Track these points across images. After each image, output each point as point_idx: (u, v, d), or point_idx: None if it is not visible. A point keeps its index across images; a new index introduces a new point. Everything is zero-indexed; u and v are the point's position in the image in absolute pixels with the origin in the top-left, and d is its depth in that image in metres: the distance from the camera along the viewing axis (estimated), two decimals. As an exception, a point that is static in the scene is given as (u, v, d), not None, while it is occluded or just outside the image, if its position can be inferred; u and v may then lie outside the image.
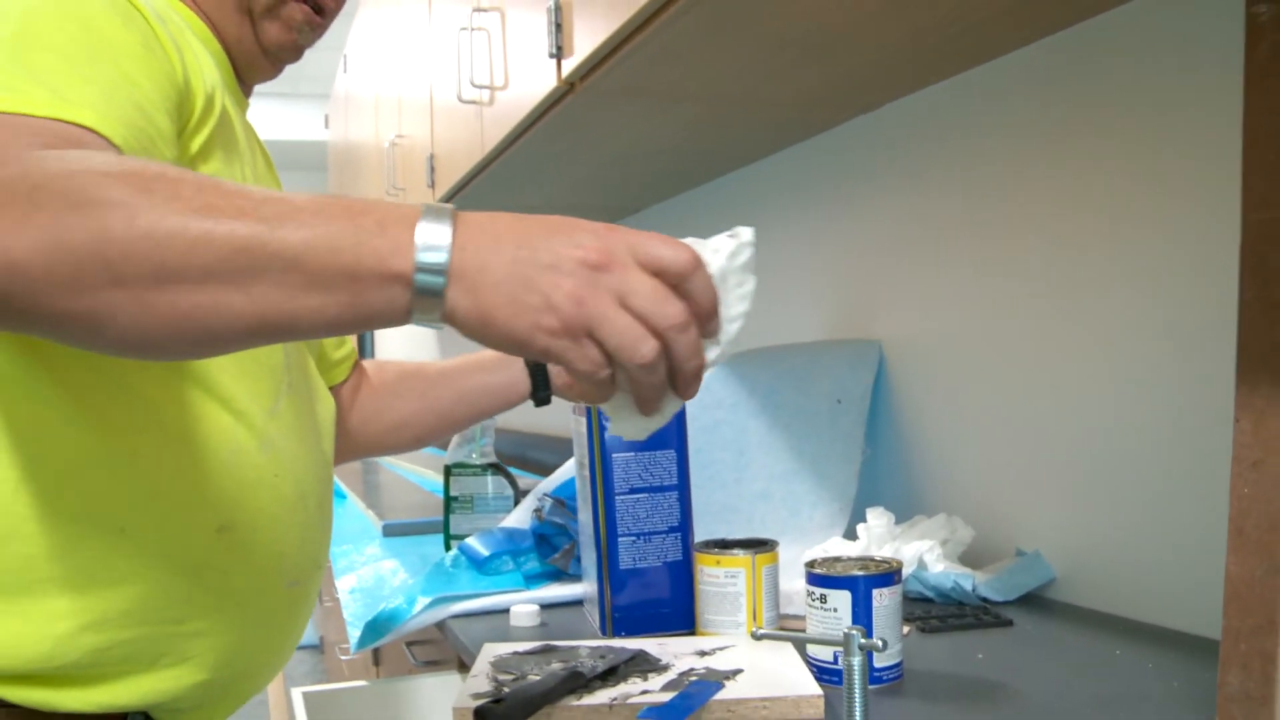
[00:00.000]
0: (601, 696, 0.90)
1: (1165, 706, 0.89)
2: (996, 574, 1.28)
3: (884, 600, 0.97)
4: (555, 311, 0.61)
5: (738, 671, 0.96)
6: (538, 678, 0.92)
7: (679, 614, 1.18)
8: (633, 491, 1.17)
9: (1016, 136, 1.35)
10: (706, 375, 0.69)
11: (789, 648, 1.02)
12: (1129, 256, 1.20)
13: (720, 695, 0.89)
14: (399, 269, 0.60)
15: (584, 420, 1.19)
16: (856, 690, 0.76)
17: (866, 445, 1.60)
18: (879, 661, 0.96)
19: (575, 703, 0.88)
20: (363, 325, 0.63)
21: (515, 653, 1.04)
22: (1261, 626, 0.75)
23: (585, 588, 1.28)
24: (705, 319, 0.64)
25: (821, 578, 0.99)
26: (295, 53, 1.08)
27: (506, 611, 1.28)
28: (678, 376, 0.64)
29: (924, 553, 1.30)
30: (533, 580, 1.37)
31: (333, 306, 0.60)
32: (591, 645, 1.05)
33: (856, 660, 0.76)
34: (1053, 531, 1.31)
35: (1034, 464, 1.34)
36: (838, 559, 1.04)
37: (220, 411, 0.89)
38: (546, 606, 1.31)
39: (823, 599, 0.98)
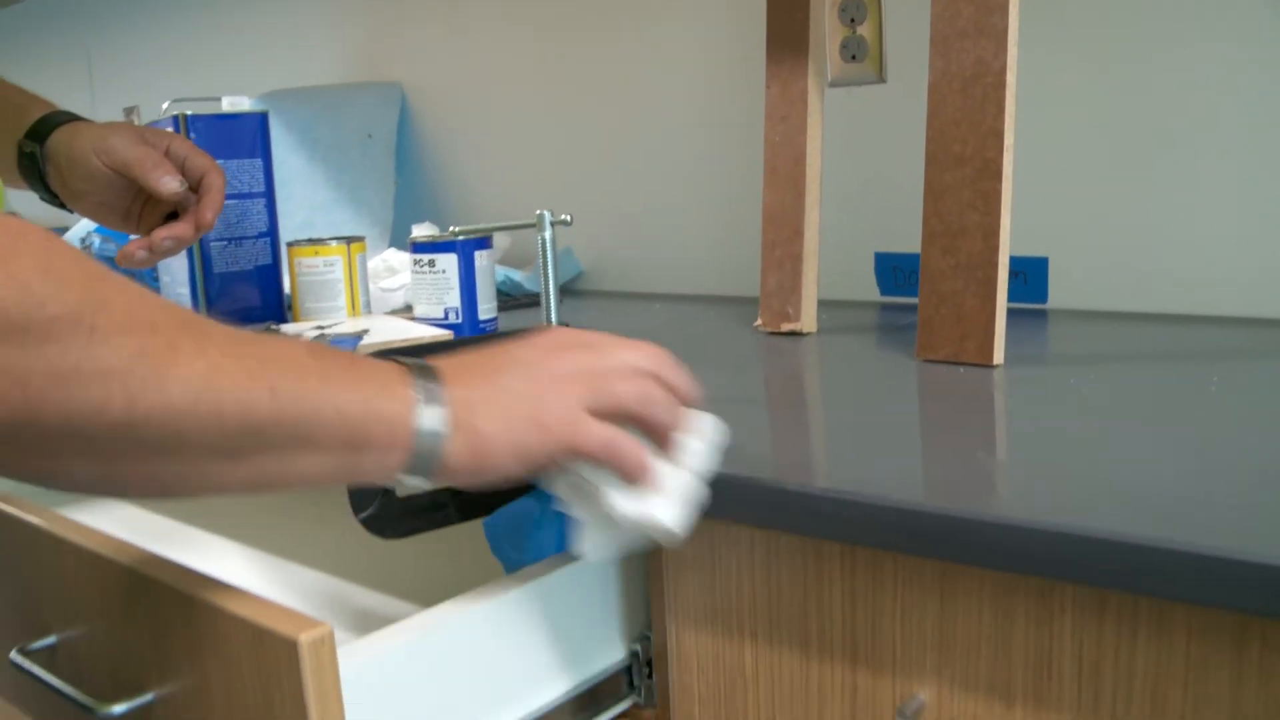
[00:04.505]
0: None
1: (715, 321, 1.15)
2: (535, 270, 1.49)
3: (483, 261, 1.13)
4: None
5: (364, 331, 1.08)
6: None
7: (270, 311, 1.27)
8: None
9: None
10: None
11: (395, 320, 1.16)
12: (643, -10, 1.42)
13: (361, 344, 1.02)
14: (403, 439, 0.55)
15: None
16: (550, 262, 0.93)
17: (397, 176, 1.73)
18: (483, 315, 1.14)
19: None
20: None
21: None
22: (790, 237, 1.01)
23: (180, 291, 1.30)
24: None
25: (428, 245, 1.13)
26: None
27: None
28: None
29: (472, 258, 1.48)
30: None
31: (326, 474, 0.55)
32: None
33: (549, 234, 0.93)
34: (586, 237, 1.55)
35: (571, 175, 1.56)
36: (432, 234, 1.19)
37: None
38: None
39: (431, 264, 1.13)
